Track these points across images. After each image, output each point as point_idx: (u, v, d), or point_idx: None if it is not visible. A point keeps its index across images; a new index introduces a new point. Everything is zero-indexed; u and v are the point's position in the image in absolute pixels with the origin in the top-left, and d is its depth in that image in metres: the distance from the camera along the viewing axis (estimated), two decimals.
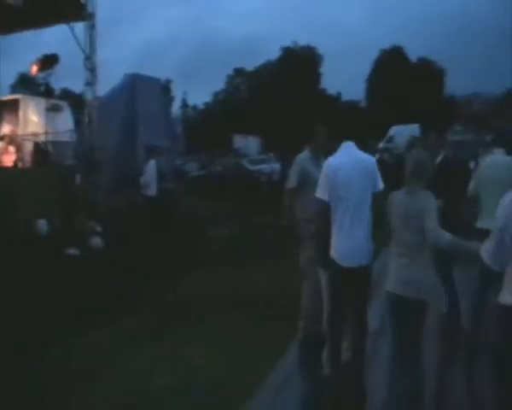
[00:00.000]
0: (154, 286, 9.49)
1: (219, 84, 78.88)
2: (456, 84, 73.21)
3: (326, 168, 5.34)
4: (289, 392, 5.75)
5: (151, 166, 13.96)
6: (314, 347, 6.31)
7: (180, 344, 6.93)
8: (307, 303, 6.84)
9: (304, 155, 7.06)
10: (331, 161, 5.35)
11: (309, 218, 6.52)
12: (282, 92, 63.39)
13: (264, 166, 32.03)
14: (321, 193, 5.32)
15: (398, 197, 4.85)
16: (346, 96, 74.61)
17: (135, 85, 16.96)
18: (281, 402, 5.54)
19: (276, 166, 29.47)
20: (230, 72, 77.42)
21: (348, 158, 5.34)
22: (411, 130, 41.33)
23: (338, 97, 74.16)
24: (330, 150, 5.79)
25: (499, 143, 7.29)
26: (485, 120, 44.27)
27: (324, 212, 5.30)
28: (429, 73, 68.30)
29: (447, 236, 4.45)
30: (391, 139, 40.62)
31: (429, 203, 4.64)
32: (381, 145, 35.17)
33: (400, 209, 4.78)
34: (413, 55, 70.26)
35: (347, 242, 5.16)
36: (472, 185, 7.18)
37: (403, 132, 40.65)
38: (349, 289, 5.28)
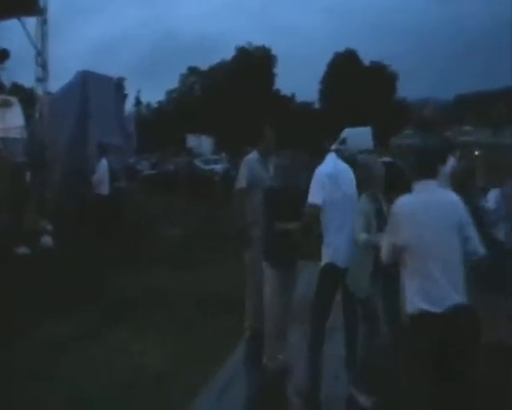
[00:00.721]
0: (106, 284, 9.43)
1: (173, 83, 78.50)
2: (410, 89, 74.60)
3: (321, 176, 5.59)
4: (236, 389, 5.86)
5: (103, 164, 13.84)
6: (261, 344, 6.38)
7: (132, 340, 6.95)
8: (252, 302, 6.95)
9: (252, 157, 7.13)
10: (326, 170, 5.66)
11: (257, 219, 6.61)
12: (235, 92, 63.45)
13: (217, 166, 32.06)
14: (315, 199, 5.53)
15: None
16: (300, 98, 75.20)
17: (87, 83, 16.70)
18: (227, 398, 5.65)
19: (229, 166, 29.60)
20: (185, 70, 77.12)
21: (339, 166, 5.78)
22: (364, 132, 42.07)
23: (292, 98, 74.65)
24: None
25: None
26: (433, 125, 45.26)
27: (316, 217, 5.58)
28: (382, 76, 69.41)
29: (362, 236, 5.11)
30: (343, 141, 41.06)
31: (359, 206, 5.35)
32: (334, 147, 35.53)
33: None
34: (366, 58, 71.41)
35: (346, 243, 5.45)
36: None
37: (355, 135, 41.33)
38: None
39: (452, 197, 4.13)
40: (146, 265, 10.83)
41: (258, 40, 73.15)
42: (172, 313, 8.00)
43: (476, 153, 16.01)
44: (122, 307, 8.21)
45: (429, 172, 4.06)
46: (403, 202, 4.12)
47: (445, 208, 3.99)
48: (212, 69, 73.23)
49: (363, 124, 44.29)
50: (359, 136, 40.41)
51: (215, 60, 74.12)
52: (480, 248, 4.02)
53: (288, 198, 5.85)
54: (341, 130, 44.60)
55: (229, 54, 73.05)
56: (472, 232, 3.99)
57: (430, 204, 3.97)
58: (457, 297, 3.83)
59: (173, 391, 5.56)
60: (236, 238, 7.43)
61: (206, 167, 31.60)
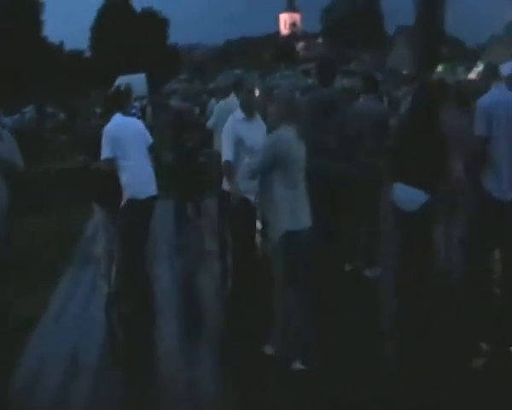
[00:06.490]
0: None
1: None
2: (180, 35, 75.74)
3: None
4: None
5: None
6: None
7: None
8: None
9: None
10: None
11: None
12: None
13: None
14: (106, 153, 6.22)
15: None
16: (69, 46, 72.42)
17: None
18: None
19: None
20: None
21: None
22: (137, 79, 42.28)
23: (60, 46, 71.42)
24: None
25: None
26: (205, 69, 46.80)
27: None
28: (153, 22, 69.54)
29: None
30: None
31: None
32: None
33: None
34: (137, 5, 71.13)
35: None
36: None
37: (129, 82, 41.33)
38: None
39: None
40: None
41: None
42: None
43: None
44: None
45: None
46: None
47: None
48: None
49: (137, 71, 44.47)
50: (133, 83, 40.56)
51: None
52: None
53: None
54: (115, 78, 44.36)
55: None
56: None
57: None
58: None
59: None
60: None
61: None
